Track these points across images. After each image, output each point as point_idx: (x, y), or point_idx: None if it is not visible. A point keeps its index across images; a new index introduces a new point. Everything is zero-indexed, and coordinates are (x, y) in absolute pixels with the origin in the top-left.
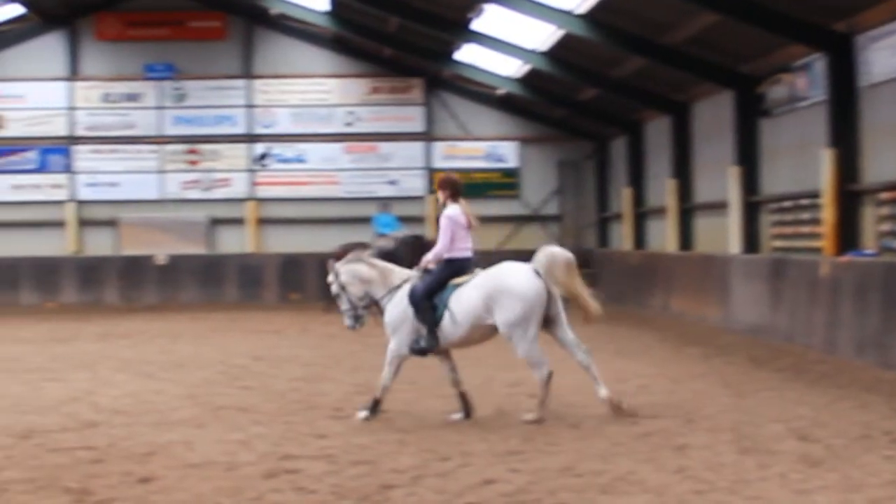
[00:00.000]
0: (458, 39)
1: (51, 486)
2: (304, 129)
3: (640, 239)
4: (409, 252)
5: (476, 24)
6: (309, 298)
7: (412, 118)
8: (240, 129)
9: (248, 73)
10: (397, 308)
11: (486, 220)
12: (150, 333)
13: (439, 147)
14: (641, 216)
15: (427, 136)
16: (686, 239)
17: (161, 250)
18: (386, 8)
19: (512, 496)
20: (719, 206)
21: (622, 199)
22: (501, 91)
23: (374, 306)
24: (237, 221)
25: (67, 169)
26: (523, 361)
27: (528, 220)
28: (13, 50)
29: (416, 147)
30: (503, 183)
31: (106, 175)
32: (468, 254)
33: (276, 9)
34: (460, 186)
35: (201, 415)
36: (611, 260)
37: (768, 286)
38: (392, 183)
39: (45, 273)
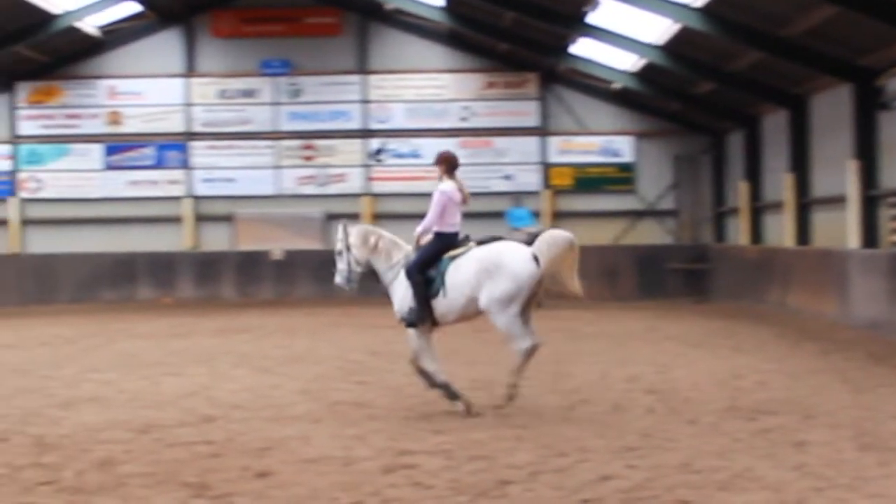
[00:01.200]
0: (574, 33)
1: (169, 480)
2: (419, 125)
3: (756, 234)
4: None
5: (591, 18)
6: None
7: (527, 113)
8: (355, 125)
9: (363, 69)
10: (402, 288)
11: (600, 214)
12: (266, 328)
13: (554, 142)
14: (758, 211)
15: (542, 131)
16: (803, 233)
17: (277, 245)
18: (500, 2)
19: (629, 492)
20: (837, 201)
21: (739, 193)
22: (617, 85)
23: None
24: (353, 216)
25: (184, 165)
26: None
27: (643, 215)
28: (131, 47)
29: (532, 142)
30: (618, 177)
31: (222, 171)
32: (456, 229)
33: (390, 4)
34: (455, 163)
35: (318, 410)
36: (727, 255)
37: (888, 281)
38: (507, 178)
39: (162, 268)
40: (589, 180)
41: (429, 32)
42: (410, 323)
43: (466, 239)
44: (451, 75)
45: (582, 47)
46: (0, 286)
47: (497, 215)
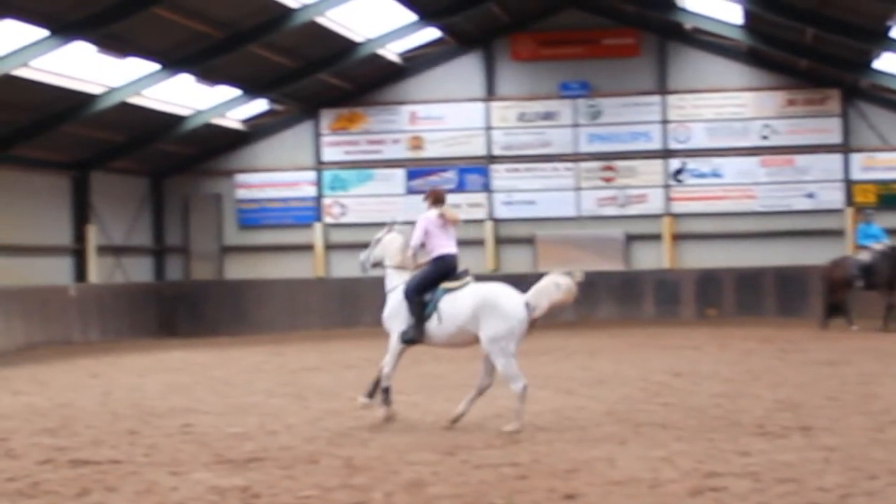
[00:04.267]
0: (877, 48)
1: (477, 501)
2: (720, 144)
3: None
4: (889, 264)
5: (895, 33)
6: (727, 314)
7: (829, 130)
8: (655, 145)
9: (662, 89)
10: (394, 301)
11: None
12: (568, 350)
13: (857, 159)
14: None
15: (844, 148)
16: None
17: (577, 267)
18: (800, 19)
19: None
20: None
21: None
22: None
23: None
24: (653, 237)
25: (485, 188)
26: None
27: None
28: (432, 72)
29: (834, 159)
30: None
31: (522, 193)
32: (452, 251)
33: (689, 23)
34: (441, 197)
35: (622, 431)
36: None
37: None
38: (809, 196)
39: None
40: (893, 197)
41: (728, 51)
42: (409, 340)
43: (465, 273)
44: (751, 93)
45: (885, 62)
46: (305, 309)
47: (797, 234)
